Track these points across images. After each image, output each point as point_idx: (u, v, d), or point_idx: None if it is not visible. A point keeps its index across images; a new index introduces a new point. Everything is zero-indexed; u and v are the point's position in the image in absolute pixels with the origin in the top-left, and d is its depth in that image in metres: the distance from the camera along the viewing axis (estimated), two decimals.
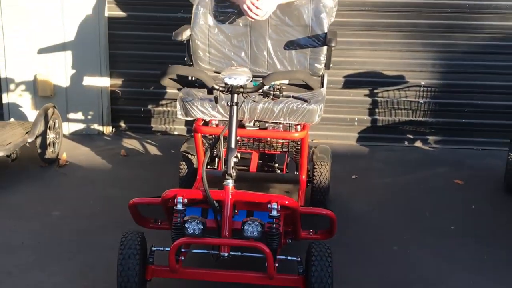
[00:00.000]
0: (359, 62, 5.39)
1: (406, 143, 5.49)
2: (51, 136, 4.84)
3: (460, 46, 5.31)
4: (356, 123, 5.53)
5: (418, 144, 5.48)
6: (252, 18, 3.77)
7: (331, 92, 5.24)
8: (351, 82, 5.45)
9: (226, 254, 2.99)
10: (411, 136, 5.50)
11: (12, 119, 5.37)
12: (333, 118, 5.43)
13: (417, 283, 3.44)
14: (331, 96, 5.19)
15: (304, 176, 3.93)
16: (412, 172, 4.95)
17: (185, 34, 3.95)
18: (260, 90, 3.18)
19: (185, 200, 3.04)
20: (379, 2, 5.24)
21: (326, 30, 3.92)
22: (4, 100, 5.49)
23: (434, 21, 5.27)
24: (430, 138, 5.49)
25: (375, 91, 5.45)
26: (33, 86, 5.45)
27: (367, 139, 5.52)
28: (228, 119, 3.42)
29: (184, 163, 4.16)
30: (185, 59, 4.09)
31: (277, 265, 3.02)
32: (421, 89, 5.42)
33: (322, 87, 4.00)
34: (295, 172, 4.11)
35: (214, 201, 3.02)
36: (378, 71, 5.42)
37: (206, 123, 3.86)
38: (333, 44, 3.82)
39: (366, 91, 5.46)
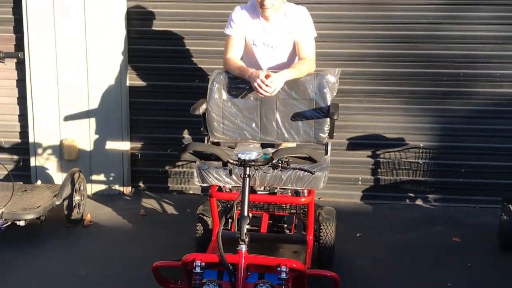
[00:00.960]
0: (362, 126, 5.47)
1: (407, 201, 5.53)
2: (76, 198, 4.91)
3: (456, 111, 5.38)
4: (360, 183, 5.58)
5: (418, 202, 5.52)
6: (262, 95, 3.99)
7: (336, 154, 5.36)
8: (354, 144, 5.51)
9: None
10: (412, 195, 5.54)
11: (39, 182, 5.50)
12: (338, 178, 5.49)
13: None
14: (336, 157, 5.31)
15: (311, 237, 4.06)
16: (413, 230, 4.98)
17: (202, 108, 4.15)
18: (270, 163, 3.35)
19: (203, 264, 3.20)
20: (380, 71, 5.36)
21: (329, 103, 4.11)
22: (32, 164, 5.58)
23: (431, 88, 5.36)
24: (430, 196, 5.53)
25: (377, 152, 5.51)
26: (59, 150, 5.55)
27: (370, 197, 5.57)
28: (240, 186, 3.68)
29: (200, 224, 4.24)
30: (201, 129, 4.26)
31: None
32: (420, 150, 5.47)
33: (327, 154, 4.14)
34: (303, 232, 4.20)
35: (229, 264, 3.17)
36: (379, 134, 5.47)
37: (220, 188, 4.01)
38: (335, 117, 4.02)
39: (369, 153, 5.52)
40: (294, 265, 3.19)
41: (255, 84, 3.96)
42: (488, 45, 5.29)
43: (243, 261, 3.18)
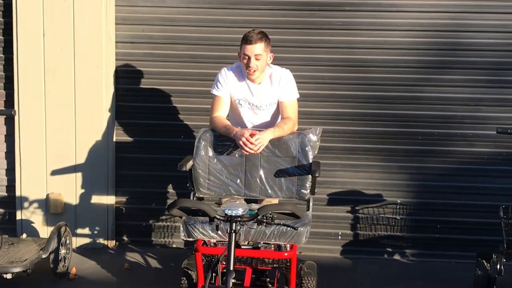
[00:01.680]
0: (342, 182, 5.52)
1: (385, 256, 5.54)
2: (62, 252, 4.90)
3: (431, 168, 5.45)
4: (340, 237, 5.58)
5: (396, 257, 5.53)
6: (247, 152, 4.10)
7: (317, 209, 5.31)
8: (334, 199, 5.54)
9: None
10: (390, 250, 5.55)
11: (24, 235, 5.45)
12: (319, 232, 5.48)
13: None
14: (316, 212, 5.28)
15: None
16: (391, 285, 5.00)
17: (189, 165, 4.24)
18: (255, 219, 3.44)
19: None
20: (358, 130, 5.44)
21: (310, 161, 4.20)
22: (18, 217, 5.53)
23: (407, 147, 5.43)
24: (408, 251, 5.54)
25: (357, 208, 5.54)
26: (45, 204, 5.50)
27: (350, 252, 5.56)
28: (225, 241, 3.76)
29: (184, 278, 4.24)
30: (187, 184, 4.32)
31: None
32: (398, 206, 5.52)
33: (308, 210, 4.21)
34: (285, 287, 4.19)
35: None
36: (358, 190, 5.52)
37: (205, 242, 4.03)
38: (317, 175, 4.11)
39: (349, 208, 5.55)
40: None
41: (241, 142, 4.08)
42: (462, 106, 5.41)
43: None
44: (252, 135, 4.11)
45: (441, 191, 5.51)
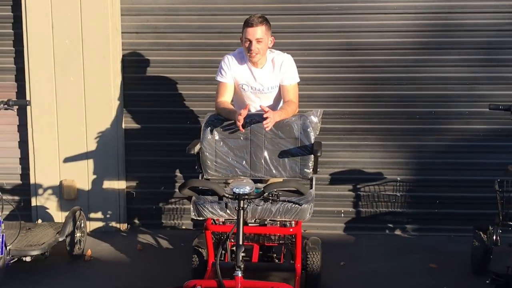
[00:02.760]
0: (343, 162, 5.60)
1: (387, 231, 5.62)
2: (78, 235, 5.00)
3: (429, 146, 5.53)
4: (342, 215, 5.66)
5: (397, 232, 5.61)
6: (242, 130, 4.21)
7: (320, 188, 5.38)
8: (336, 179, 5.63)
9: None
10: (391, 225, 5.63)
11: (39, 220, 5.56)
12: (322, 211, 5.55)
13: None
14: (319, 191, 5.36)
15: (299, 265, 4.17)
16: (393, 258, 5.07)
17: (196, 148, 4.36)
18: (261, 197, 3.56)
19: None
20: (358, 111, 5.52)
21: (312, 141, 4.32)
22: (33, 203, 5.63)
23: (406, 126, 5.52)
24: (408, 226, 5.62)
25: (358, 186, 5.62)
26: (59, 190, 5.60)
27: (352, 229, 5.64)
28: (233, 219, 3.90)
29: (195, 256, 4.36)
30: (196, 167, 4.44)
31: None
32: (398, 184, 5.58)
33: (311, 188, 4.33)
34: (291, 261, 4.31)
35: None
36: (359, 169, 5.60)
37: (214, 221, 4.17)
38: (318, 154, 4.22)
39: (350, 187, 5.63)
40: None
41: (237, 117, 4.18)
42: (457, 85, 5.48)
43: (240, 286, 3.36)
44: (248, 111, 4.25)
45: (439, 167, 5.57)
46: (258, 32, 4.33)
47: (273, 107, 4.57)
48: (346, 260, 5.08)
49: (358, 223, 5.70)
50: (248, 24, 4.34)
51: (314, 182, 4.44)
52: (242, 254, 3.46)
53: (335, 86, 5.58)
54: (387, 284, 4.67)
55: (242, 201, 3.53)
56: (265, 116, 4.14)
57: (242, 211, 3.53)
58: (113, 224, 5.75)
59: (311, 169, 4.38)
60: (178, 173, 5.78)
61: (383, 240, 5.52)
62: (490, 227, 4.68)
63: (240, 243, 3.48)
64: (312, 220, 5.26)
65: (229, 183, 4.10)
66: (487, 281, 4.26)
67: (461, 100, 5.52)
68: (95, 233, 5.66)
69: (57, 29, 5.47)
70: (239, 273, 3.41)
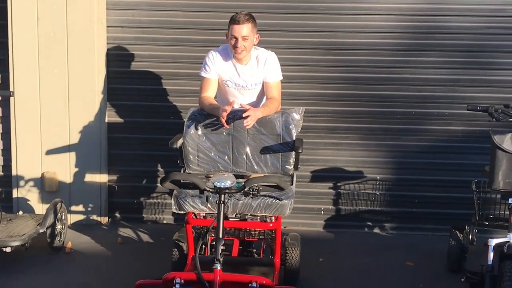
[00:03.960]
0: (324, 160, 5.62)
1: (366, 229, 5.65)
2: (58, 227, 4.98)
3: (409, 146, 5.56)
4: (322, 212, 5.67)
5: (376, 230, 5.65)
6: (226, 126, 4.24)
7: (300, 185, 5.40)
8: (317, 176, 5.64)
9: None
10: (370, 223, 5.66)
11: (20, 212, 5.53)
12: (302, 208, 5.57)
13: None
14: (300, 188, 5.38)
15: (278, 260, 4.22)
16: (371, 255, 5.11)
17: (179, 142, 4.37)
18: (242, 191, 3.62)
19: (182, 281, 3.41)
20: (340, 110, 5.54)
21: (294, 138, 4.36)
22: (14, 195, 5.60)
23: (386, 126, 5.54)
24: (387, 225, 5.66)
25: (338, 184, 5.64)
26: (41, 183, 5.57)
27: (332, 226, 5.66)
28: (214, 213, 3.91)
29: (176, 249, 4.38)
30: (178, 161, 4.46)
31: None
32: (377, 183, 5.62)
33: (292, 184, 4.37)
34: (270, 257, 4.35)
35: (206, 282, 3.39)
36: (340, 167, 5.61)
37: (195, 215, 4.20)
38: (299, 151, 4.27)
39: (331, 184, 5.64)
40: (264, 282, 3.43)
41: (221, 113, 4.21)
42: (438, 87, 5.52)
43: (218, 278, 3.41)
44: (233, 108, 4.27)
45: (418, 167, 5.60)
46: (244, 29, 4.36)
47: (256, 103, 4.61)
48: (325, 256, 5.11)
49: (338, 221, 5.73)
50: (234, 21, 4.37)
51: (295, 179, 4.49)
52: (222, 248, 3.52)
53: (318, 85, 5.61)
54: (365, 280, 4.71)
55: (223, 195, 3.57)
56: (245, 115, 4.18)
57: (222, 205, 3.58)
58: (94, 217, 5.75)
59: (292, 166, 4.42)
60: (160, 168, 5.80)
61: (362, 238, 5.57)
62: (466, 227, 4.75)
63: (220, 236, 3.53)
64: (292, 217, 5.44)
65: (210, 177, 4.12)
66: (462, 279, 4.31)
67: (441, 101, 5.57)
68: (75, 226, 5.65)
69: (42, 21, 5.46)
70: (218, 266, 3.45)
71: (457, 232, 4.76)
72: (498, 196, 4.70)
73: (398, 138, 5.63)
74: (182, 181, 3.75)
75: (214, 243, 3.62)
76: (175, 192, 4.18)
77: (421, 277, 4.75)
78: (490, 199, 4.87)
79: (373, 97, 5.60)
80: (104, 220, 5.78)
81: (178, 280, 3.44)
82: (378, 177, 5.68)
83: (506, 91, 5.39)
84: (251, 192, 3.67)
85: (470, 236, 4.68)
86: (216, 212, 3.62)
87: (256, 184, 3.67)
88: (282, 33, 5.53)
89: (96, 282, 4.59)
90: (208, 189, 3.62)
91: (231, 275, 3.52)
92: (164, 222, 5.84)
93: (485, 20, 5.47)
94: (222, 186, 3.55)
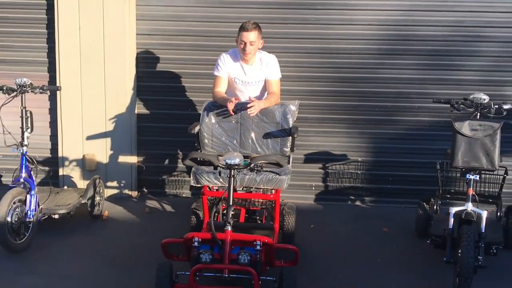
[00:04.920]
0: (314, 145, 5.63)
1: (349, 202, 5.68)
2: (97, 198, 5.06)
3: (385, 134, 5.57)
4: (313, 188, 5.71)
5: (358, 203, 5.69)
6: (232, 113, 4.29)
7: (295, 166, 5.42)
8: (309, 159, 5.67)
9: (226, 276, 3.41)
10: (352, 197, 5.70)
11: (65, 187, 5.58)
12: (297, 184, 5.59)
13: None
14: (295, 169, 5.37)
15: (277, 225, 4.29)
16: (353, 223, 5.18)
17: (196, 129, 4.44)
18: (248, 167, 3.70)
19: (200, 239, 3.50)
20: (328, 104, 5.55)
21: (291, 126, 4.42)
22: (60, 173, 5.67)
23: (367, 117, 5.56)
24: (366, 199, 5.70)
25: (327, 165, 5.68)
26: (82, 163, 5.62)
27: (321, 199, 5.70)
28: (225, 186, 4.00)
29: (193, 216, 4.46)
30: (195, 144, 4.51)
31: (260, 282, 3.41)
32: (359, 164, 5.64)
33: (289, 163, 4.42)
34: (271, 222, 4.42)
35: (219, 240, 3.48)
36: (328, 151, 5.65)
37: (209, 188, 4.24)
38: (295, 136, 4.34)
39: (320, 165, 5.68)
40: (266, 240, 3.50)
41: (228, 103, 4.27)
42: (409, 84, 5.53)
43: (229, 237, 3.48)
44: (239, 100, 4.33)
45: (392, 151, 5.64)
46: (252, 36, 4.40)
47: (259, 97, 4.66)
48: (316, 223, 5.16)
49: (326, 195, 5.76)
50: (244, 29, 4.41)
51: (291, 159, 4.53)
52: (232, 213, 3.57)
53: (310, 83, 5.61)
54: (348, 243, 4.76)
55: (233, 171, 3.62)
56: (249, 105, 4.24)
57: (232, 178, 3.63)
58: (126, 191, 5.77)
59: (289, 148, 4.48)
60: (179, 151, 5.80)
61: (346, 209, 5.60)
62: (432, 199, 4.81)
63: (230, 203, 3.59)
64: (288, 192, 5.49)
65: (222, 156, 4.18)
66: (428, 241, 4.42)
67: (412, 97, 5.57)
68: (111, 198, 5.67)
69: (83, 30, 5.49)
70: (229, 228, 3.51)
71: (424, 204, 4.80)
72: (458, 174, 4.73)
73: (376, 127, 5.64)
74: (199, 159, 3.81)
75: (225, 211, 3.68)
76: (193, 169, 4.23)
77: (395, 240, 4.82)
78: (451, 177, 4.95)
79: (356, 94, 5.61)
80: (134, 194, 5.80)
81: (196, 239, 3.52)
82: (360, 159, 5.70)
83: (464, 88, 5.39)
84: (255, 168, 3.72)
85: (435, 207, 4.73)
86: (227, 185, 3.68)
87: (259, 161, 3.72)
88: (281, 40, 5.54)
89: (128, 243, 4.65)
90: (220, 165, 3.67)
91: (239, 235, 3.58)
92: (183, 195, 5.86)
93: (448, 29, 5.49)
94: (232, 163, 3.60)
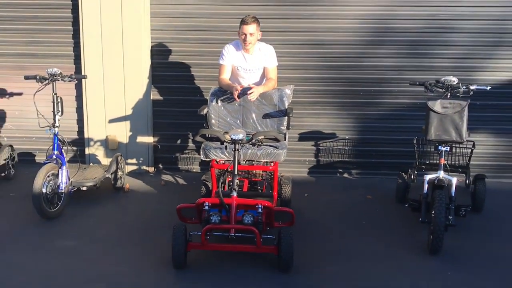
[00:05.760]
0: (307, 125, 5.64)
1: (338, 174, 5.70)
2: (119, 173, 5.11)
3: (369, 115, 5.57)
4: (307, 163, 5.72)
5: (345, 175, 5.70)
6: (237, 100, 4.34)
7: (291, 144, 5.37)
8: (303, 137, 5.67)
9: (233, 235, 3.50)
10: (341, 170, 5.71)
11: (91, 164, 5.60)
12: (293, 160, 5.61)
13: (339, 252, 3.90)
14: (291, 146, 5.33)
15: (275, 193, 4.38)
16: (342, 192, 5.23)
17: (204, 111, 4.51)
18: (250, 142, 3.78)
19: (210, 204, 3.57)
20: (319, 89, 5.55)
21: (286, 107, 4.50)
22: (86, 152, 5.69)
23: (353, 100, 5.55)
24: (353, 171, 5.71)
25: (318, 142, 5.69)
26: (105, 143, 5.64)
27: (314, 172, 5.72)
28: (230, 159, 4.09)
29: (203, 187, 4.55)
30: (204, 124, 4.59)
31: (262, 240, 3.50)
32: (346, 141, 5.65)
33: (285, 139, 4.50)
34: (270, 191, 4.50)
35: (226, 204, 3.57)
36: (319, 130, 5.65)
37: (216, 162, 4.33)
38: (290, 115, 4.41)
39: (313, 143, 5.68)
40: (266, 204, 3.58)
41: (233, 91, 4.34)
42: (389, 71, 5.50)
43: (235, 202, 3.57)
44: (243, 87, 4.39)
45: (375, 130, 5.65)
46: (251, 28, 4.45)
47: (259, 82, 4.72)
48: (309, 193, 5.21)
49: (318, 169, 5.78)
50: (244, 22, 4.45)
51: (287, 136, 4.60)
52: (237, 181, 3.65)
53: (303, 70, 5.60)
54: (337, 208, 4.84)
55: (237, 145, 3.70)
56: (250, 92, 4.31)
57: (237, 152, 3.71)
58: (144, 167, 5.79)
59: (285, 127, 4.55)
60: (190, 132, 5.83)
61: (335, 180, 5.65)
62: (409, 170, 4.88)
63: (236, 172, 3.66)
64: (285, 166, 5.53)
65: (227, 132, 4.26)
66: (406, 205, 4.50)
67: (391, 82, 5.57)
68: (131, 174, 5.71)
69: (104, 27, 5.51)
70: (235, 193, 3.59)
71: (403, 174, 4.88)
72: (432, 149, 4.75)
73: (361, 109, 5.65)
74: (208, 135, 3.89)
75: (230, 182, 3.74)
76: (202, 145, 4.30)
77: (377, 206, 4.89)
78: (426, 152, 4.98)
79: (343, 80, 5.61)
80: (151, 169, 5.81)
81: (206, 203, 3.60)
82: (347, 137, 5.71)
83: (438, 73, 5.36)
84: (256, 142, 3.78)
85: (412, 176, 4.81)
86: (232, 158, 3.75)
87: (260, 137, 3.79)
88: (278, 33, 5.52)
89: (147, 210, 4.72)
90: (226, 141, 3.74)
91: (243, 200, 3.66)
92: (194, 170, 5.88)
93: (423, 22, 5.48)
94: (236, 138, 3.67)
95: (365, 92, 5.64)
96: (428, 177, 4.16)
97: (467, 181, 4.82)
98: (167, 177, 5.68)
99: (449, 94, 4.38)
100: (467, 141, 4.32)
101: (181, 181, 5.59)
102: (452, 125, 4.06)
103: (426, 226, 4.05)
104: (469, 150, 4.84)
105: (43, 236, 4.16)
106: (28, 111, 5.62)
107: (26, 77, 4.69)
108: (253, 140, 3.77)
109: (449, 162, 4.86)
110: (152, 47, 5.68)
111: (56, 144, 4.57)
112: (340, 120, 5.70)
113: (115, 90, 5.62)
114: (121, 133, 5.70)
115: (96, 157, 5.79)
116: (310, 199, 5.05)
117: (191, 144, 5.83)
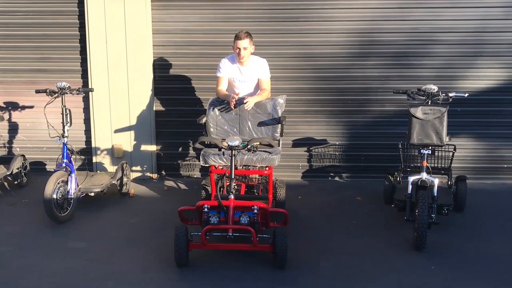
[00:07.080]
0: (300, 132, 5.65)
1: (329, 178, 5.72)
2: (125, 179, 5.13)
3: (358, 122, 5.60)
4: (300, 167, 5.74)
5: (336, 178, 5.72)
6: (233, 107, 4.37)
7: (285, 150, 5.50)
8: (296, 144, 5.70)
9: (231, 234, 3.53)
10: (332, 174, 5.74)
11: (98, 171, 5.65)
12: (287, 165, 5.67)
13: (331, 249, 3.91)
14: (285, 152, 5.49)
15: (270, 196, 4.40)
16: (333, 194, 5.25)
17: (203, 120, 4.54)
18: (246, 148, 3.80)
19: (209, 206, 3.62)
20: (311, 98, 5.57)
21: (279, 115, 4.53)
22: (94, 160, 5.73)
23: (342, 108, 5.57)
24: (343, 174, 5.74)
25: (310, 148, 5.72)
26: (111, 151, 5.69)
27: (307, 176, 5.73)
28: (228, 165, 4.12)
29: (203, 191, 4.61)
30: (203, 132, 4.61)
31: (258, 239, 3.53)
32: (337, 147, 5.69)
33: (279, 146, 4.53)
34: (266, 194, 4.54)
35: (224, 206, 3.60)
36: (311, 137, 5.69)
37: (215, 167, 4.34)
38: (283, 123, 4.46)
39: (305, 148, 5.71)
40: (262, 205, 3.63)
41: (231, 100, 4.37)
42: (376, 81, 5.56)
43: (232, 204, 3.61)
44: (239, 97, 4.42)
45: (364, 136, 5.68)
46: (244, 43, 4.50)
47: (253, 93, 4.76)
48: (302, 195, 5.23)
49: (310, 173, 5.79)
50: (238, 37, 4.51)
51: (281, 143, 4.63)
52: (234, 185, 3.69)
53: (295, 81, 5.64)
54: (328, 209, 4.85)
55: (233, 150, 3.74)
56: (245, 101, 4.36)
57: (233, 157, 3.75)
58: (148, 174, 5.81)
59: (279, 133, 4.58)
60: (190, 141, 5.85)
61: (327, 183, 5.66)
62: (395, 173, 4.90)
63: (233, 177, 3.70)
64: (280, 171, 5.56)
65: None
66: (392, 205, 4.54)
67: (378, 91, 5.61)
68: (136, 180, 5.75)
69: (109, 44, 5.56)
70: (232, 196, 3.63)
71: (390, 176, 4.90)
72: (416, 153, 4.80)
73: (350, 116, 5.67)
74: (207, 142, 3.94)
75: (228, 186, 3.76)
76: (202, 152, 4.33)
77: (367, 206, 4.91)
78: (411, 156, 5.01)
79: (332, 89, 5.64)
80: (154, 176, 5.84)
81: (206, 206, 3.64)
82: (337, 143, 5.74)
83: (420, 82, 5.41)
84: (251, 148, 3.82)
85: (398, 179, 4.83)
86: (229, 163, 3.78)
87: (255, 143, 3.84)
88: (271, 47, 5.58)
89: (151, 213, 4.74)
90: (223, 147, 3.78)
91: (240, 202, 3.69)
92: (195, 176, 5.89)
93: (406, 35, 5.53)
94: (233, 144, 3.70)
95: (354, 101, 5.68)
96: (412, 178, 4.19)
97: (449, 182, 4.85)
98: (169, 183, 5.70)
99: (429, 101, 4.43)
100: (448, 144, 4.36)
101: (182, 186, 5.62)
102: (433, 130, 4.11)
103: (411, 224, 4.08)
104: (451, 153, 4.87)
105: (54, 239, 4.19)
106: (39, 123, 5.68)
107: (37, 91, 4.74)
108: (249, 146, 3.81)
109: (432, 164, 4.89)
110: (154, 61, 5.72)
111: (65, 153, 4.62)
112: (330, 127, 5.73)
113: (120, 102, 5.66)
114: (126, 142, 5.73)
115: (103, 165, 5.83)
116: (303, 201, 5.07)
117: (191, 152, 5.85)
